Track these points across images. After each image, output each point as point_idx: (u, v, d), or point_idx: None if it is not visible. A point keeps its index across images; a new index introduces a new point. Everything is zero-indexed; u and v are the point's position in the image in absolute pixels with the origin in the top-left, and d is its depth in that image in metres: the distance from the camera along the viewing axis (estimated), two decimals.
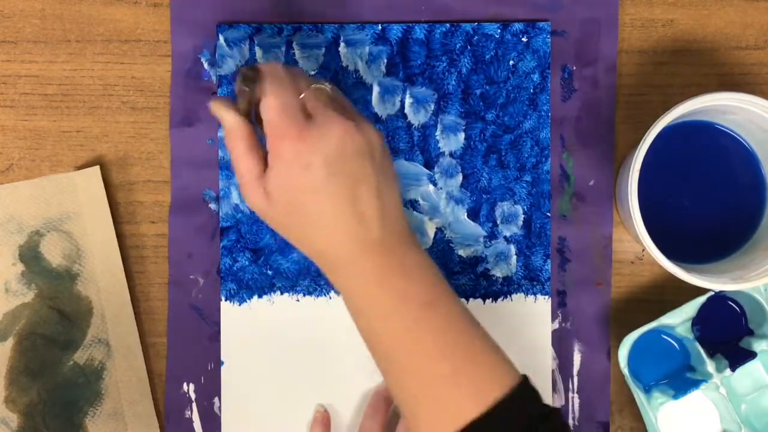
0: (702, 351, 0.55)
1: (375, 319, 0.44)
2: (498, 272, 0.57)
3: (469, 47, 0.57)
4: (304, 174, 0.43)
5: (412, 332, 0.44)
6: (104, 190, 0.57)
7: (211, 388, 0.57)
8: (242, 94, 0.45)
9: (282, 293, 0.57)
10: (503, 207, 0.57)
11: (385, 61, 0.57)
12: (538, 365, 0.57)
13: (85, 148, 0.58)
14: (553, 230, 0.57)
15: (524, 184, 0.57)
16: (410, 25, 0.57)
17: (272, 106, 0.43)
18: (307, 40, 0.57)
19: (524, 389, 0.43)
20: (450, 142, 0.57)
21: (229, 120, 0.45)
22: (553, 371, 0.57)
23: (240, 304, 0.57)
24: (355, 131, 0.44)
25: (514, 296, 0.57)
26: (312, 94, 0.45)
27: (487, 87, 0.57)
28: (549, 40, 0.57)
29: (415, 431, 0.44)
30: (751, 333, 0.56)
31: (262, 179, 0.44)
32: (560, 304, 0.57)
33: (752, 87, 0.58)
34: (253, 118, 0.46)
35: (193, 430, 0.57)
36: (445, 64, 0.57)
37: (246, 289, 0.57)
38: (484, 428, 0.41)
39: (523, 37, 0.57)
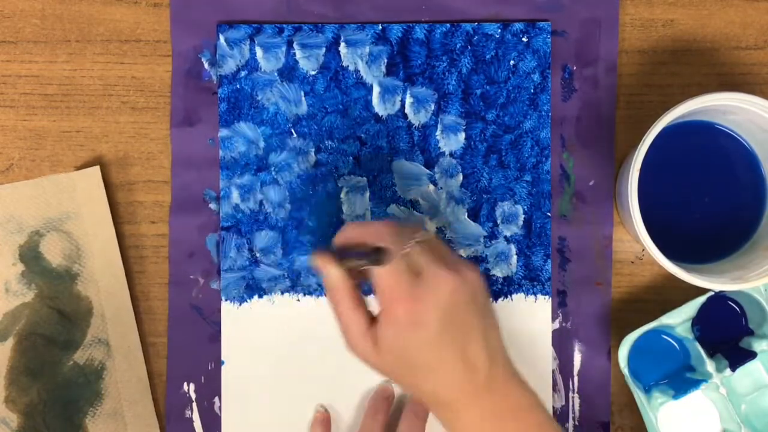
0: (702, 351, 0.55)
1: None
2: (498, 272, 0.57)
3: (469, 47, 0.57)
4: (417, 331, 0.44)
5: None
6: (104, 190, 0.57)
7: (211, 388, 0.57)
8: (350, 256, 0.46)
9: (282, 293, 0.57)
10: (503, 207, 0.57)
11: (386, 61, 0.57)
12: (539, 365, 0.57)
13: (85, 148, 0.58)
14: (554, 230, 0.57)
15: (524, 184, 0.57)
16: (410, 25, 0.57)
17: (384, 273, 0.44)
18: (307, 40, 0.57)
19: None
20: (450, 142, 0.57)
21: (334, 275, 0.46)
22: (553, 371, 0.57)
23: (240, 304, 0.57)
24: (462, 284, 0.44)
25: (514, 296, 0.57)
26: (417, 250, 0.45)
27: (488, 87, 0.57)
28: (549, 40, 0.57)
29: None
30: (751, 333, 0.56)
31: (370, 332, 0.45)
32: (560, 304, 0.57)
33: (752, 87, 0.58)
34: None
35: (194, 430, 0.57)
36: (445, 64, 0.57)
37: (246, 289, 0.57)
38: None
39: (523, 37, 0.57)
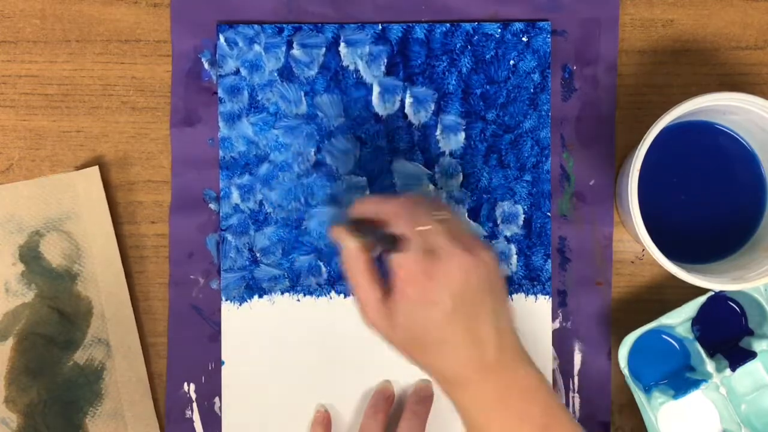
0: (702, 351, 0.55)
1: None
2: None
3: (469, 47, 0.57)
4: (430, 310, 0.44)
5: None
6: (103, 190, 0.57)
7: (211, 388, 0.57)
8: (366, 231, 0.46)
9: (282, 293, 0.57)
10: (503, 207, 0.57)
11: (386, 60, 0.57)
12: (539, 365, 0.56)
13: (85, 148, 0.58)
14: (554, 230, 0.57)
15: (524, 184, 0.57)
16: (410, 24, 0.57)
17: (400, 255, 0.44)
18: (307, 40, 0.57)
19: None
20: (450, 142, 0.57)
21: (352, 247, 0.46)
22: (553, 371, 0.57)
23: (240, 304, 0.57)
24: (476, 265, 0.45)
25: (514, 296, 0.57)
26: (434, 229, 0.45)
27: (488, 87, 0.57)
28: (549, 39, 0.57)
29: None
30: (751, 333, 0.56)
31: (384, 305, 0.45)
32: (561, 304, 0.57)
33: (752, 87, 0.58)
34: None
35: (194, 430, 0.57)
36: (445, 64, 0.57)
37: (246, 289, 0.57)
38: None
39: (523, 36, 0.57)
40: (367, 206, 0.48)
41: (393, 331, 0.46)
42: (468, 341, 0.44)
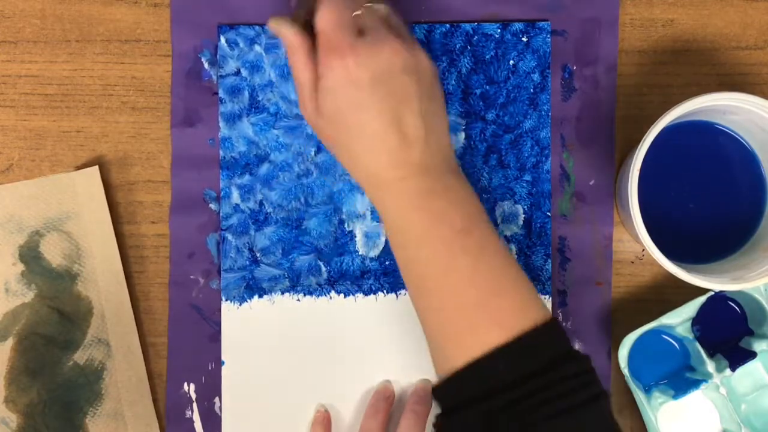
0: (702, 351, 0.55)
1: (410, 241, 0.45)
2: None
3: (469, 47, 0.57)
4: (351, 89, 0.43)
5: (444, 257, 0.44)
6: (103, 190, 0.57)
7: (211, 388, 0.57)
8: (300, 4, 0.46)
9: (282, 293, 0.57)
10: (503, 207, 0.57)
11: None
12: None
13: (85, 148, 0.58)
14: (554, 230, 0.57)
15: (524, 184, 0.57)
16: (410, 25, 0.57)
17: (327, 18, 0.44)
18: None
19: (552, 328, 0.44)
20: None
21: (289, 33, 0.45)
22: None
23: (240, 304, 0.57)
24: (406, 51, 0.44)
25: None
26: (367, 13, 0.45)
27: (487, 87, 0.57)
28: (549, 39, 0.57)
29: (440, 357, 0.45)
30: (751, 333, 0.56)
31: (315, 92, 0.45)
32: (561, 304, 0.57)
33: (752, 87, 0.58)
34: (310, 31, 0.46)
35: (194, 430, 0.57)
36: (445, 64, 0.57)
37: (246, 289, 0.57)
38: (506, 356, 0.42)
39: (523, 36, 0.57)
40: None
41: (320, 117, 0.45)
42: (390, 133, 0.43)
